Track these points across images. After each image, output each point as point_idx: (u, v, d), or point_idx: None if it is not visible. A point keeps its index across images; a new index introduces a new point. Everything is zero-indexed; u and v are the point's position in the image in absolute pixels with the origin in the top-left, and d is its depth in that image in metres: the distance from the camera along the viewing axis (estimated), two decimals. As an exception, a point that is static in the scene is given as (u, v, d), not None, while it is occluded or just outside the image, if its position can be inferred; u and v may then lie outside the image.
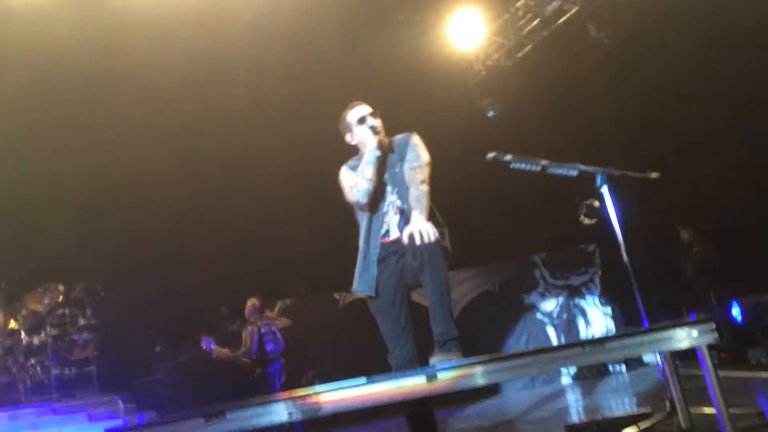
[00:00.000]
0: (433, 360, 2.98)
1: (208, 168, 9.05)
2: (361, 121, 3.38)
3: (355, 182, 3.33)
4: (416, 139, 3.39)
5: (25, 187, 8.22)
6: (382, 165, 3.33)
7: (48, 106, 8.13)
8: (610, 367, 9.36)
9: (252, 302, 7.71)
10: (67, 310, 8.18)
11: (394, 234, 3.31)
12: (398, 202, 3.33)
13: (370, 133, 3.31)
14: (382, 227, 3.34)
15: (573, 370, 9.40)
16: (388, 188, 3.36)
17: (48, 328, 7.92)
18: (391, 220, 3.34)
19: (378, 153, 3.30)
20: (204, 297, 9.25)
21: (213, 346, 7.78)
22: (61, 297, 8.16)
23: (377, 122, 3.38)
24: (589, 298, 9.82)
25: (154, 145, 8.60)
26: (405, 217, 3.25)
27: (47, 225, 8.40)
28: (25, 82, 7.71)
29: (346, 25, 8.01)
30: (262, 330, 7.39)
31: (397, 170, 3.34)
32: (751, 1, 6.93)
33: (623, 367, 9.30)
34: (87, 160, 8.43)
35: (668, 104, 8.20)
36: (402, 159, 3.34)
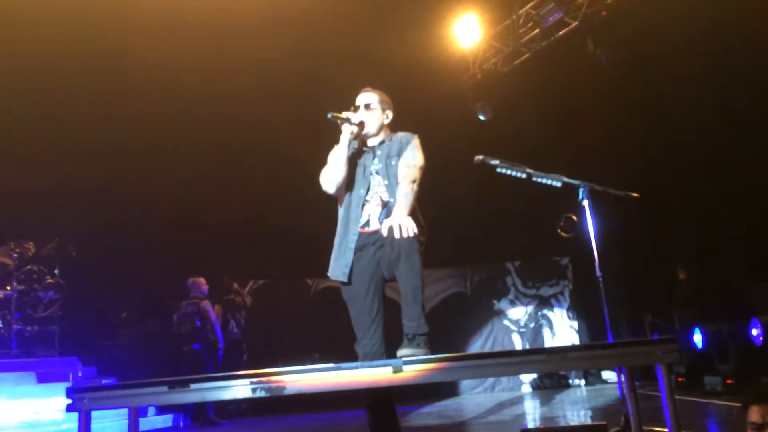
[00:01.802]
0: (401, 353, 3.01)
1: (195, 144, 8.99)
2: (356, 108, 3.45)
3: (324, 170, 3.39)
4: (417, 142, 3.44)
5: (7, 145, 8.12)
6: (353, 158, 3.40)
7: (38, 72, 8.06)
8: (570, 381, 9.52)
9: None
10: (35, 267, 8.06)
11: (374, 225, 3.34)
12: (385, 195, 3.37)
13: (346, 124, 3.36)
14: (362, 216, 3.38)
15: (533, 379, 9.54)
16: (379, 179, 3.40)
17: (14, 283, 7.81)
18: (373, 210, 3.38)
19: (344, 145, 3.34)
20: (177, 270, 9.20)
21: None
22: (31, 253, 8.05)
23: (366, 116, 3.42)
24: (557, 309, 9.96)
25: (145, 119, 8.56)
26: (387, 210, 3.30)
27: (26, 184, 8.30)
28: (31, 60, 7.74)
29: (352, 19, 8.02)
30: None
31: (392, 163, 3.38)
32: (748, 24, 7.03)
33: (582, 382, 9.46)
34: (76, 130, 8.37)
35: (657, 126, 8.31)
36: (399, 154, 3.39)
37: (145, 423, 6.50)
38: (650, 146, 8.44)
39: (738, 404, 2.36)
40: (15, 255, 7.86)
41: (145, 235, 8.83)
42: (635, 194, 3.65)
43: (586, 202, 3.64)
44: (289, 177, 7.72)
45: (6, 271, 7.79)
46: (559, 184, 3.64)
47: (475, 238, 9.79)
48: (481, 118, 8.75)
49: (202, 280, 8.11)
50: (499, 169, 3.73)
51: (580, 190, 3.62)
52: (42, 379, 6.70)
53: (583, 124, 9.36)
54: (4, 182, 8.03)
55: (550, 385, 9.48)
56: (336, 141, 3.42)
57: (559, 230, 6.66)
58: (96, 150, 8.62)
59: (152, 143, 8.76)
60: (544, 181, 3.65)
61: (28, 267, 7.96)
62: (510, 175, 3.77)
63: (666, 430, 2.75)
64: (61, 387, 6.46)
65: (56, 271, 8.10)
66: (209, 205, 9.15)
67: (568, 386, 9.38)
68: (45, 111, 8.28)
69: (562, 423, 4.66)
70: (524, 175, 3.70)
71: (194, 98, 8.46)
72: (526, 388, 9.47)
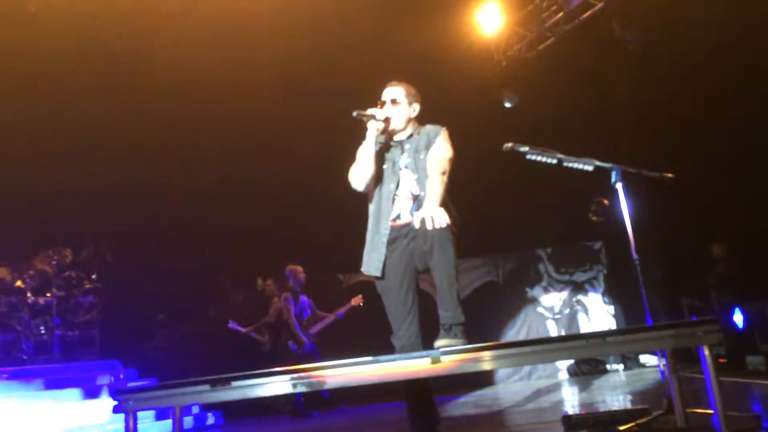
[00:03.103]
0: (438, 343, 3.03)
1: (224, 145, 9.07)
2: (382, 104, 3.45)
3: (352, 167, 3.42)
4: (446, 134, 3.44)
5: (40, 151, 8.28)
6: (381, 153, 3.41)
7: (65, 78, 8.19)
8: (608, 366, 9.42)
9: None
10: (73, 273, 8.26)
11: (405, 218, 3.36)
12: (415, 188, 3.37)
13: (372, 121, 3.36)
14: (393, 210, 3.38)
15: (570, 365, 9.46)
16: (409, 173, 3.40)
17: (54, 290, 8.01)
18: (404, 204, 3.39)
19: (371, 142, 3.36)
20: (209, 271, 9.34)
21: (237, 328, 8.12)
22: (69, 259, 8.24)
23: (392, 111, 3.42)
24: (592, 294, 9.85)
25: (173, 122, 8.64)
26: (418, 203, 3.31)
27: (59, 189, 8.47)
28: (52, 56, 7.81)
29: (372, 10, 8.00)
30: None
31: (421, 157, 3.38)
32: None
33: (621, 367, 9.35)
34: (105, 132, 8.50)
35: (687, 107, 8.14)
36: (428, 147, 3.39)
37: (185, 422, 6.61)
38: (681, 125, 8.28)
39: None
40: (53, 262, 8.07)
41: (179, 236, 8.96)
42: (670, 174, 3.59)
43: (619, 185, 3.59)
44: (318, 173, 7.74)
45: (45, 278, 8.00)
46: (591, 168, 3.60)
47: (505, 226, 9.73)
48: (507, 105, 8.68)
49: (299, 268, 7.91)
50: (528, 156, 3.70)
51: (613, 173, 3.57)
52: (84, 382, 6.85)
53: (612, 106, 9.21)
54: (39, 188, 8.22)
55: (588, 370, 9.38)
56: (363, 138, 3.43)
57: (590, 215, 6.60)
58: (127, 153, 8.75)
59: (183, 146, 8.86)
60: (575, 165, 3.62)
61: (67, 273, 8.17)
62: (540, 161, 3.73)
63: (711, 411, 2.72)
64: (104, 390, 6.66)
65: (93, 276, 8.29)
66: (241, 205, 9.24)
67: (605, 371, 9.28)
68: (76, 115, 8.40)
69: (602, 408, 4.62)
70: (555, 161, 3.67)
71: (222, 99, 8.53)
72: (563, 375, 9.40)
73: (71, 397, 6.34)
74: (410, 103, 3.49)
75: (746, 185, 7.68)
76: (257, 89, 8.52)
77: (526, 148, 3.65)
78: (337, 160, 3.66)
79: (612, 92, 9.06)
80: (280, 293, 8.04)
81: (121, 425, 2.88)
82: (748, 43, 7.23)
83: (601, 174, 3.70)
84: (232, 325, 8.34)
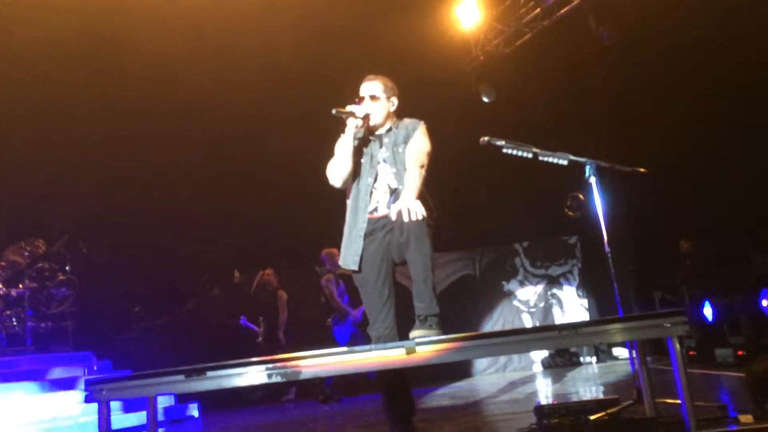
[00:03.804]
0: (414, 334, 3.05)
1: (202, 135, 9.01)
2: (360, 99, 3.45)
3: (330, 163, 3.43)
4: (424, 128, 3.46)
5: (15, 141, 8.15)
6: (359, 148, 3.42)
7: (40, 66, 8.07)
8: (581, 358, 9.56)
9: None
10: (46, 264, 8.13)
11: (382, 211, 3.38)
12: (393, 182, 3.39)
13: (351, 118, 3.37)
14: (370, 203, 3.40)
15: (544, 358, 9.59)
16: (387, 166, 3.42)
17: (26, 281, 7.89)
18: (382, 197, 3.41)
19: (349, 139, 3.37)
20: (187, 263, 9.28)
21: (249, 325, 8.36)
22: (41, 250, 8.12)
23: (371, 107, 3.42)
24: (566, 288, 9.98)
25: (153, 113, 8.58)
26: (395, 196, 3.32)
27: (32, 180, 8.35)
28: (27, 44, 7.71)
29: (351, 4, 8.00)
30: None
31: (400, 151, 3.40)
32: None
33: (594, 359, 9.50)
34: (81, 122, 8.39)
35: (662, 102, 8.27)
36: (406, 141, 3.40)
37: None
38: (655, 122, 8.41)
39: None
40: (26, 253, 7.94)
41: (154, 229, 8.89)
42: (642, 169, 3.65)
43: (593, 179, 3.65)
44: (298, 167, 7.73)
45: (18, 270, 7.87)
46: (565, 162, 3.64)
47: (482, 220, 9.81)
48: (485, 100, 8.73)
49: (335, 251, 7.95)
50: (505, 150, 3.73)
51: (587, 168, 3.63)
52: (58, 374, 6.78)
53: (588, 102, 9.32)
54: (13, 180, 8.09)
55: (562, 363, 9.53)
56: (342, 132, 3.43)
57: (566, 210, 6.67)
58: (104, 145, 8.66)
59: (161, 139, 8.78)
60: (550, 159, 3.66)
61: (40, 264, 8.04)
62: (516, 155, 3.77)
63: (679, 401, 2.78)
64: (78, 382, 6.59)
65: (67, 268, 8.18)
66: (219, 198, 9.20)
67: (579, 364, 9.42)
68: (51, 107, 8.29)
69: (574, 399, 4.70)
70: (530, 155, 3.71)
71: (203, 91, 8.47)
72: (538, 367, 9.52)
73: (44, 389, 6.27)
74: (389, 98, 3.49)
75: (718, 182, 7.83)
76: (240, 81, 8.49)
77: (502, 142, 3.69)
78: (317, 153, 3.66)
79: (588, 88, 9.16)
80: (280, 284, 8.26)
81: (95, 417, 2.86)
82: (724, 38, 7.36)
83: (578, 169, 3.75)
84: (243, 321, 8.47)
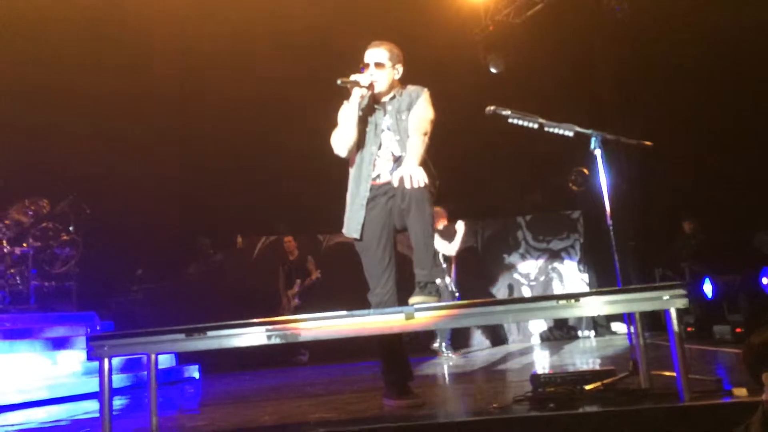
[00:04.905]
0: (413, 300, 3.07)
1: (203, 101, 8.97)
2: (366, 66, 3.41)
3: (334, 133, 3.41)
4: (427, 95, 3.44)
5: (22, 101, 8.13)
6: (363, 117, 3.40)
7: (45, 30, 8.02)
8: (579, 333, 9.62)
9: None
10: (50, 224, 8.16)
11: (385, 178, 3.39)
12: (396, 149, 3.39)
13: (356, 88, 3.34)
14: (373, 171, 3.40)
15: (543, 331, 9.66)
16: (390, 134, 3.41)
17: (30, 240, 7.93)
18: (384, 164, 3.41)
19: (354, 109, 3.34)
20: (190, 226, 9.31)
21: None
22: (46, 210, 8.14)
23: (376, 74, 3.38)
24: (568, 262, 10.00)
25: (160, 75, 8.54)
26: (398, 164, 3.32)
27: (37, 139, 8.35)
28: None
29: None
30: None
31: (403, 118, 3.38)
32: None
33: (592, 333, 9.57)
34: (87, 82, 8.35)
35: (672, 77, 8.19)
36: (409, 108, 3.39)
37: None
38: (662, 97, 8.34)
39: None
40: (30, 212, 7.96)
41: (158, 191, 8.90)
42: (648, 143, 3.63)
43: (598, 152, 3.62)
44: (300, 133, 7.71)
45: (22, 229, 7.90)
46: (571, 134, 3.62)
47: (486, 192, 9.79)
48: (493, 70, 8.65)
49: None
50: (510, 120, 3.71)
51: (593, 140, 3.60)
52: (61, 333, 6.85)
53: (597, 74, 9.23)
54: (17, 139, 8.08)
55: (560, 336, 9.60)
56: (346, 100, 3.40)
57: (570, 184, 6.64)
58: (109, 105, 8.63)
59: (165, 99, 8.75)
60: (556, 130, 3.63)
61: (44, 224, 8.07)
62: (522, 126, 3.74)
63: (674, 374, 2.81)
64: (80, 341, 6.67)
65: (71, 228, 8.22)
66: (221, 162, 9.19)
67: (576, 338, 9.49)
68: (55, 64, 8.25)
69: (571, 370, 4.74)
70: (536, 125, 3.69)
71: (204, 53, 8.42)
72: (536, 340, 9.59)
73: (46, 347, 6.35)
74: (394, 65, 3.45)
75: (723, 159, 7.79)
76: (250, 48, 8.43)
77: (508, 112, 3.67)
78: (323, 119, 3.64)
79: (598, 60, 9.07)
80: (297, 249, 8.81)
81: (96, 376, 2.90)
82: (733, 13, 7.26)
83: (584, 143, 3.72)
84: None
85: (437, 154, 3.40)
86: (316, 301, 8.38)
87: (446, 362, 6.88)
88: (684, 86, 8.13)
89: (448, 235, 7.53)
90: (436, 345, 7.52)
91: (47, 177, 8.30)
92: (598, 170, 3.69)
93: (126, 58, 8.49)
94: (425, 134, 3.28)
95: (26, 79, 8.15)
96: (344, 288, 6.21)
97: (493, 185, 9.70)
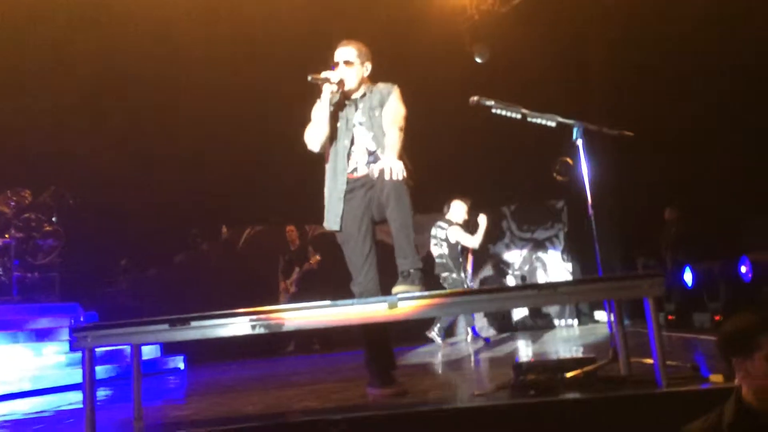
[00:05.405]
0: (397, 289, 3.10)
1: (189, 89, 8.89)
2: (335, 65, 3.51)
3: (307, 129, 3.51)
4: (398, 92, 3.54)
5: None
6: (335, 113, 3.50)
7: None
8: (563, 321, 9.72)
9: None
10: (32, 215, 8.09)
11: (362, 171, 3.48)
12: (371, 145, 3.47)
13: (326, 84, 3.43)
14: (349, 165, 3.49)
15: (518, 320, 9.73)
16: (364, 130, 3.49)
17: (12, 231, 7.86)
18: (360, 158, 3.49)
19: (326, 105, 3.44)
20: (175, 217, 9.25)
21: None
22: (28, 201, 8.07)
23: (345, 72, 3.47)
24: (552, 252, 10.08)
25: (142, 64, 8.45)
26: (374, 158, 3.42)
27: (19, 129, 8.26)
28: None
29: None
30: None
31: (376, 114, 3.48)
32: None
33: (575, 322, 9.67)
34: (71, 71, 8.26)
35: (654, 66, 8.25)
36: (381, 105, 3.48)
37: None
38: (646, 87, 8.40)
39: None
40: (12, 203, 7.89)
41: (142, 181, 8.84)
42: (629, 133, 3.66)
43: (579, 142, 3.65)
44: (287, 122, 7.68)
45: (4, 219, 7.83)
46: (553, 124, 3.65)
47: (470, 181, 9.82)
48: (478, 60, 8.66)
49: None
50: (494, 110, 3.73)
51: (574, 130, 3.63)
52: (44, 324, 6.81)
53: (582, 65, 9.26)
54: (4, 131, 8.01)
55: (543, 325, 9.69)
56: (318, 98, 3.48)
57: (554, 174, 6.69)
58: (92, 95, 8.55)
59: (148, 89, 8.66)
60: (538, 121, 3.66)
61: (26, 215, 8.00)
62: (505, 116, 3.77)
63: (652, 361, 2.86)
64: (63, 332, 6.64)
65: (54, 219, 8.15)
66: (207, 152, 9.13)
67: (553, 327, 9.56)
68: (40, 58, 8.16)
69: (553, 358, 4.80)
70: (519, 116, 3.71)
71: (191, 41, 8.35)
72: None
73: (29, 338, 6.32)
74: (362, 63, 3.55)
75: (705, 148, 7.88)
76: (237, 36, 8.38)
77: (491, 102, 3.68)
78: (305, 110, 3.67)
79: (584, 50, 9.10)
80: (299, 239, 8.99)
81: (79, 367, 2.90)
82: (727, 11, 7.33)
83: (568, 133, 3.75)
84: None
85: (421, 144, 3.44)
86: (312, 288, 8.41)
87: (436, 349, 6.93)
88: (669, 74, 8.18)
89: (470, 228, 7.53)
90: (434, 333, 7.49)
91: (29, 168, 8.22)
92: (580, 159, 3.72)
93: (107, 43, 8.40)
94: (401, 129, 3.37)
95: (6, 68, 8.04)
96: (332, 277, 6.24)
97: (477, 174, 9.72)
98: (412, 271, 3.14)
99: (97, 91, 8.55)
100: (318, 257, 8.85)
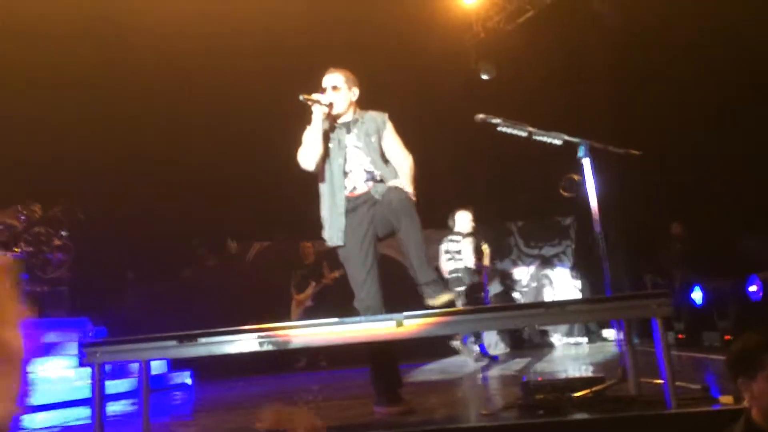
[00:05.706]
0: (442, 298, 3.21)
1: (196, 103, 8.96)
2: (323, 90, 3.62)
3: (300, 149, 3.61)
4: (390, 123, 3.68)
5: (10, 107, 8.12)
6: (326, 134, 3.61)
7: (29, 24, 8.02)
8: (571, 339, 9.65)
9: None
10: (42, 229, 8.14)
11: (361, 189, 3.56)
12: (369, 167, 3.57)
13: (317, 105, 3.54)
14: (346, 185, 3.57)
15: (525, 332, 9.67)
16: (362, 154, 3.59)
17: (22, 245, 7.90)
18: (358, 178, 3.58)
19: (318, 125, 3.54)
20: (183, 231, 9.29)
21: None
22: (38, 215, 8.13)
23: (333, 96, 3.59)
24: (559, 269, 10.04)
25: (148, 81, 8.53)
26: (371, 176, 3.55)
27: (30, 144, 8.34)
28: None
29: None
30: None
31: (372, 140, 3.60)
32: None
33: (585, 340, 9.60)
34: (80, 87, 8.35)
35: (662, 83, 8.26)
36: (377, 132, 3.62)
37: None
38: (654, 103, 8.41)
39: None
40: (22, 217, 7.94)
41: (151, 196, 8.88)
42: (635, 152, 3.67)
43: (586, 160, 3.66)
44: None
45: (14, 233, 7.88)
46: (559, 142, 3.66)
47: (478, 197, 9.82)
48: (484, 77, 8.70)
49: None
50: (500, 128, 3.75)
51: (580, 147, 3.64)
52: (53, 338, 6.83)
53: (588, 82, 9.29)
54: (10, 144, 8.07)
55: (552, 342, 9.62)
56: (309, 121, 3.59)
57: (561, 190, 6.69)
58: (100, 111, 8.62)
59: (156, 105, 8.74)
60: (544, 139, 3.68)
61: (36, 229, 8.05)
62: (512, 134, 3.78)
63: (662, 381, 2.84)
64: (72, 346, 6.65)
65: (63, 233, 8.20)
66: (215, 167, 9.18)
67: (552, 345, 9.47)
68: (49, 72, 8.25)
69: (561, 376, 4.77)
70: (525, 134, 3.72)
71: (197, 55, 8.42)
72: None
73: (38, 352, 6.33)
74: (350, 88, 3.66)
75: (712, 166, 7.86)
76: (238, 50, 8.44)
77: (498, 120, 3.70)
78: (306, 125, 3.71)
79: (589, 68, 9.13)
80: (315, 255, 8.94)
81: (89, 381, 2.91)
82: (724, 20, 7.34)
83: (576, 149, 3.76)
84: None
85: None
86: (327, 302, 8.43)
87: (467, 358, 6.92)
88: (674, 92, 8.19)
89: (474, 250, 7.48)
90: (456, 343, 7.41)
91: (39, 182, 8.29)
92: (586, 177, 3.72)
93: (112, 58, 8.47)
94: (409, 156, 3.61)
95: (19, 81, 8.14)
96: (347, 292, 6.25)
97: (484, 191, 9.72)
98: (438, 279, 3.25)
99: (107, 106, 8.62)
100: (336, 274, 8.80)
